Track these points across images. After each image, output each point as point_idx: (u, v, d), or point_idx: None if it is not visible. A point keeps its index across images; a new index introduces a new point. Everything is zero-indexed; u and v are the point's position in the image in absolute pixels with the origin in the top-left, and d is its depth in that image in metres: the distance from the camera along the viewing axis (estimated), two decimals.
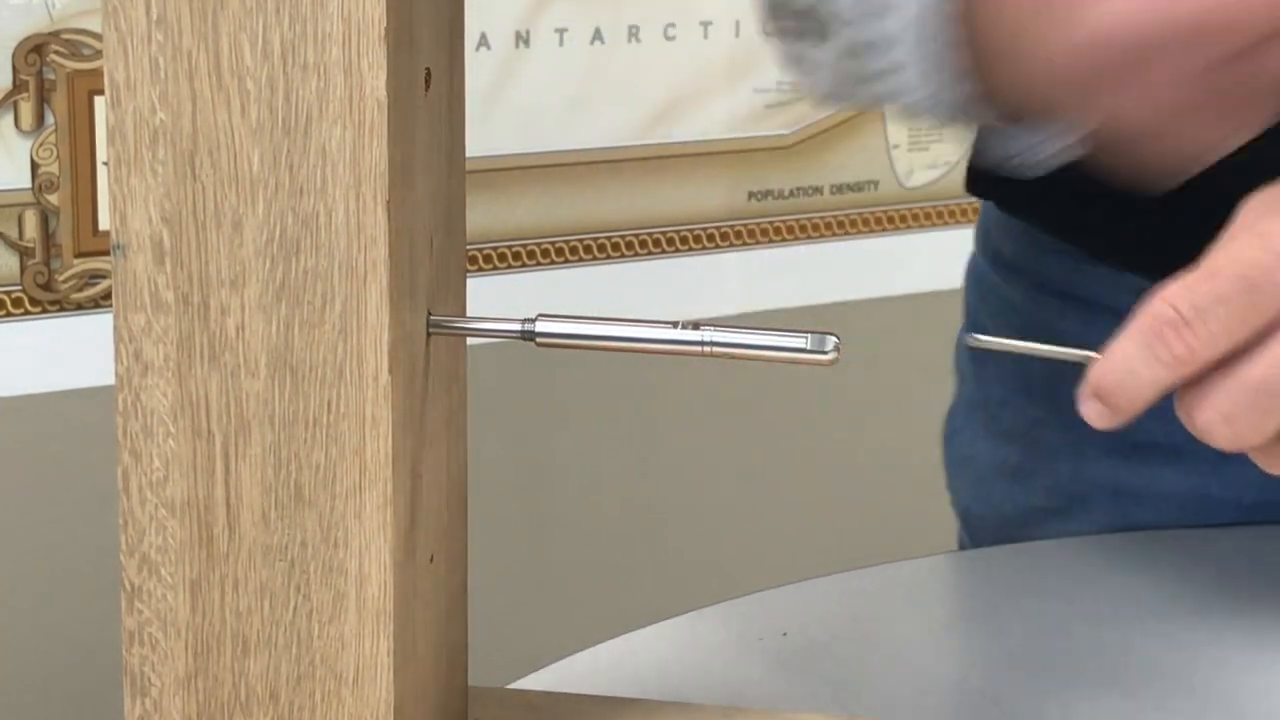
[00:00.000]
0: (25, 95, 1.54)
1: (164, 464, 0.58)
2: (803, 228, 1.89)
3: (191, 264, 0.57)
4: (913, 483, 1.85)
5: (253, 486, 0.58)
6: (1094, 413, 0.63)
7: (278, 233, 0.56)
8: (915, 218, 1.93)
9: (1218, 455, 0.64)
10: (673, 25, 1.79)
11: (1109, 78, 0.68)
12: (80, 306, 1.59)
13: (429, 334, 0.59)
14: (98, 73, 1.55)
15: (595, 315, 0.60)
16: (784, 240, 1.88)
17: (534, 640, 1.54)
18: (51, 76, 1.54)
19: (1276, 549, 0.88)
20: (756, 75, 1.84)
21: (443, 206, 0.60)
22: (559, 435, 1.84)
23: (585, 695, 0.68)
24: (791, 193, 1.88)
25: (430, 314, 0.59)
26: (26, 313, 1.57)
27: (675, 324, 0.59)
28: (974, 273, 1.02)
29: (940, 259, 1.90)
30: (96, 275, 1.58)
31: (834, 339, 0.58)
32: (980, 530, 1.00)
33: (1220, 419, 0.62)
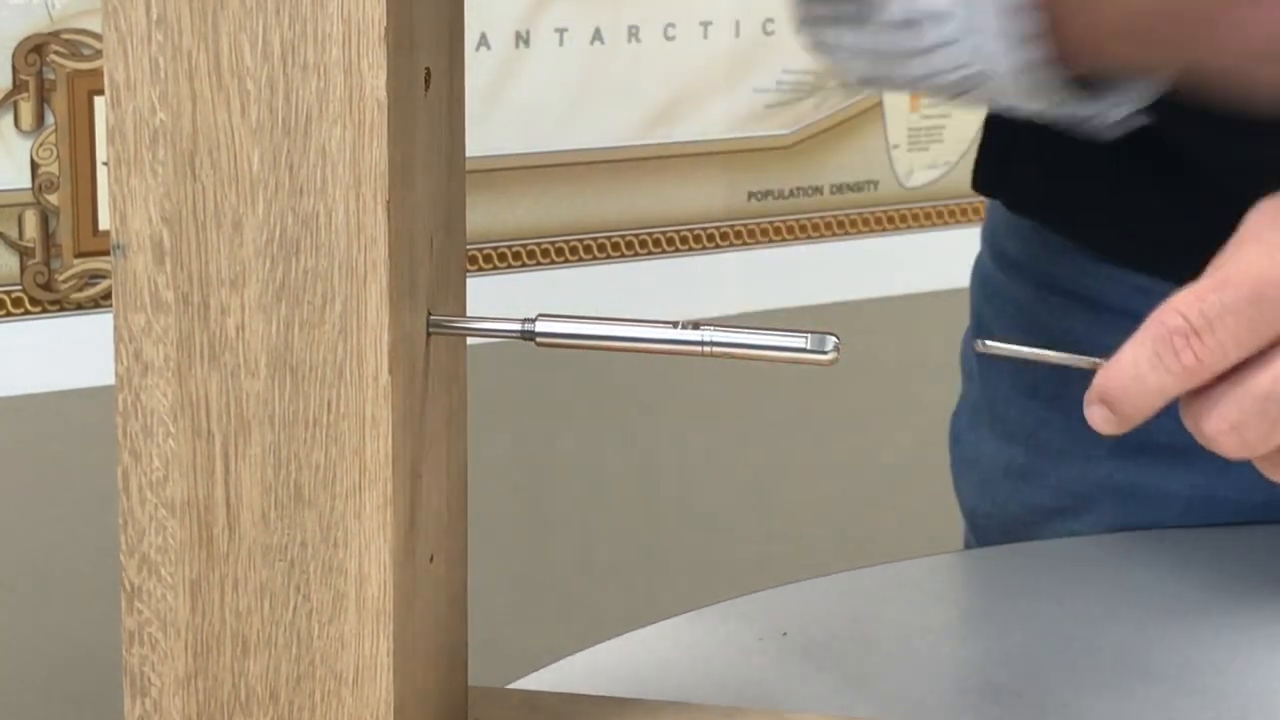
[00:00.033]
0: (25, 95, 1.54)
1: (164, 464, 0.58)
2: (803, 228, 1.89)
3: (191, 264, 0.57)
4: (913, 483, 1.86)
5: (253, 486, 0.58)
6: (1100, 418, 0.63)
7: (278, 233, 0.56)
8: (915, 218, 1.93)
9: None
10: (673, 25, 1.79)
11: (1196, 19, 0.67)
12: (80, 306, 1.59)
13: (429, 334, 0.59)
14: (98, 73, 1.55)
15: (595, 315, 0.60)
16: (784, 240, 1.88)
17: (534, 640, 1.54)
18: (51, 76, 1.54)
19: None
20: (756, 75, 1.84)
21: (443, 206, 0.60)
22: (559, 435, 1.84)
23: (585, 695, 0.68)
24: (791, 193, 1.88)
25: (430, 314, 0.59)
26: (26, 313, 1.57)
27: (675, 324, 0.59)
28: (980, 272, 1.01)
29: (940, 259, 1.90)
30: (96, 275, 1.58)
31: (834, 339, 0.58)
32: (986, 530, 1.00)
33: (1228, 428, 0.62)
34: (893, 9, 0.72)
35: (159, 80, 0.56)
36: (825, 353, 0.58)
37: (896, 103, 1.90)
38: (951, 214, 1.94)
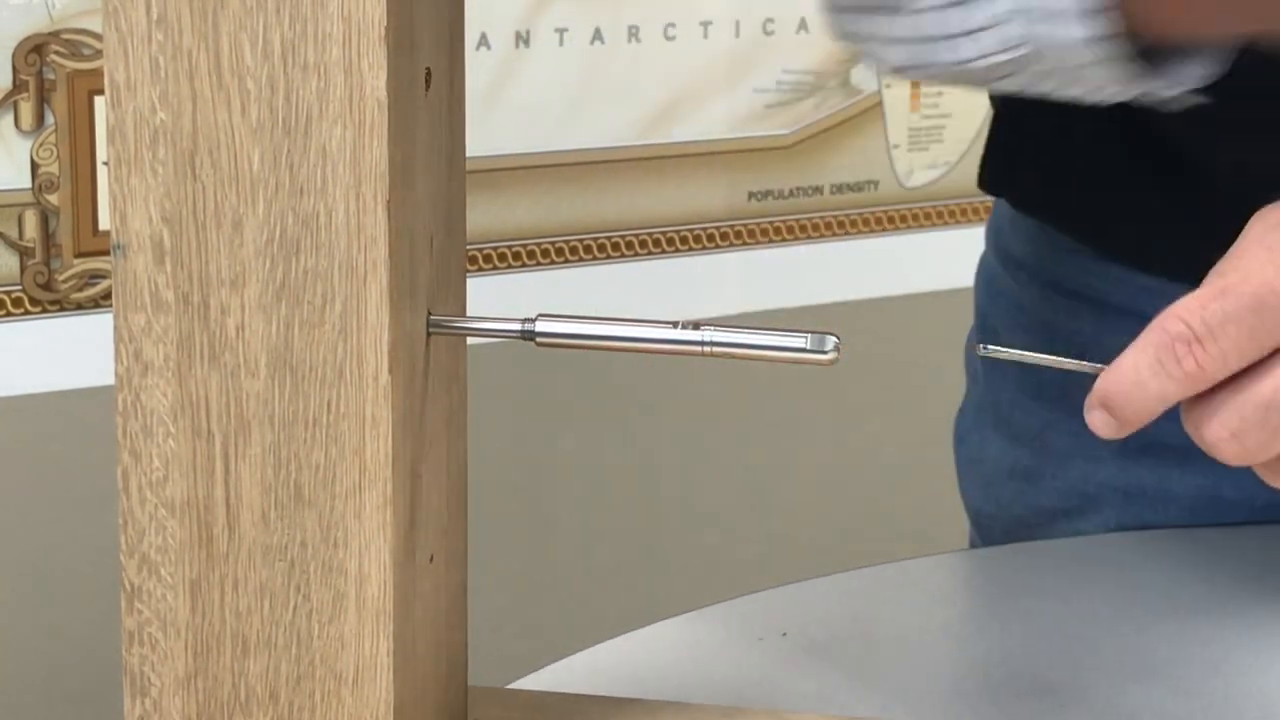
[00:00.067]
0: (25, 95, 1.54)
1: (164, 464, 0.58)
2: (803, 228, 1.89)
3: (191, 264, 0.57)
4: (913, 483, 1.86)
5: (253, 486, 0.58)
6: (1100, 422, 0.63)
7: (278, 233, 0.56)
8: (915, 218, 1.93)
9: None
10: (673, 25, 1.79)
11: None
12: (80, 306, 1.59)
13: (429, 334, 0.59)
14: (98, 73, 1.55)
15: (595, 315, 0.60)
16: (784, 240, 1.88)
17: (534, 640, 1.54)
18: (51, 76, 1.54)
19: None
20: (756, 75, 1.84)
21: (443, 206, 0.60)
22: (559, 435, 1.84)
23: (585, 695, 0.68)
24: (791, 193, 1.88)
25: (430, 314, 0.59)
26: (26, 313, 1.57)
27: (675, 324, 0.59)
28: (984, 272, 1.01)
29: (940, 259, 1.90)
30: (96, 275, 1.58)
31: (834, 339, 0.58)
32: (990, 531, 1.00)
33: (1228, 435, 0.62)
34: None
35: (159, 80, 0.56)
36: (825, 353, 0.58)
37: (896, 103, 1.90)
38: (951, 214, 1.94)
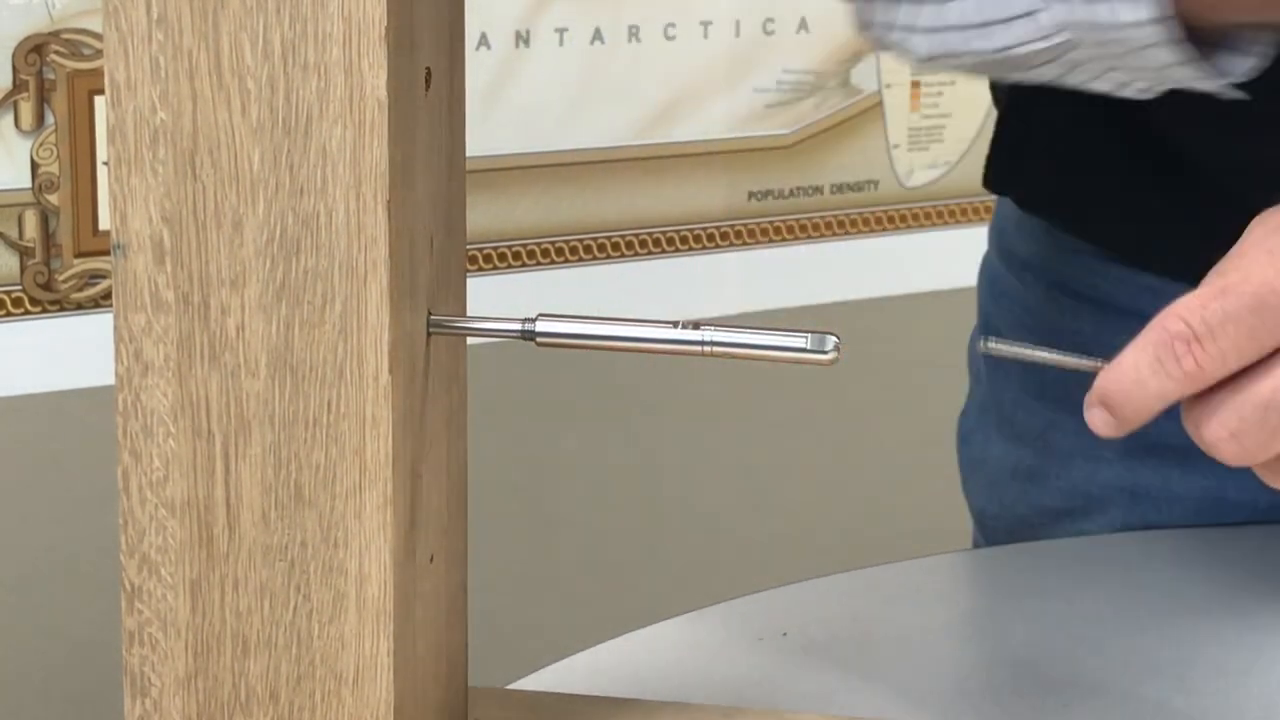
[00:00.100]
0: (25, 95, 1.54)
1: (164, 464, 0.58)
2: (803, 228, 1.89)
3: (192, 264, 0.57)
4: (914, 482, 1.86)
5: (253, 486, 0.58)
6: (1099, 420, 0.63)
7: (278, 233, 0.56)
8: (915, 218, 1.93)
9: None
10: (673, 25, 1.79)
11: None
12: (80, 306, 1.59)
13: (429, 334, 0.59)
14: (98, 73, 1.55)
15: (595, 315, 0.60)
16: (784, 240, 1.88)
17: (534, 640, 1.54)
18: (51, 76, 1.54)
19: None
20: (756, 75, 1.84)
21: (443, 206, 0.60)
22: (559, 435, 1.84)
23: (585, 695, 0.68)
24: (791, 193, 1.88)
25: (430, 314, 0.59)
26: (26, 313, 1.57)
27: (675, 324, 0.59)
28: (987, 272, 1.01)
29: (940, 259, 1.90)
30: (96, 275, 1.58)
31: (834, 339, 0.58)
32: (994, 531, 1.00)
33: (1228, 435, 0.62)
34: None
35: (159, 80, 0.56)
36: (825, 353, 0.58)
37: (896, 102, 1.90)
38: (952, 214, 1.94)
